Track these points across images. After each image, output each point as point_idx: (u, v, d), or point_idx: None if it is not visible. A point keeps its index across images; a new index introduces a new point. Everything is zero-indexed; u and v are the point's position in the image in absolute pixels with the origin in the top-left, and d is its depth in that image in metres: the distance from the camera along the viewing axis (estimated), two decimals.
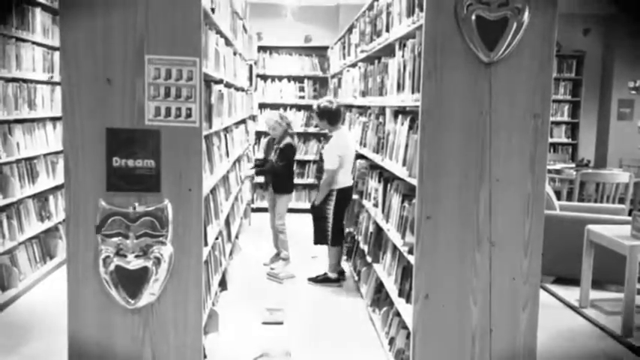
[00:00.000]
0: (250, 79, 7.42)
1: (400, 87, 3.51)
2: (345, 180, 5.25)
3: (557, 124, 9.63)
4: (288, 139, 5.78)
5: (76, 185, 2.79)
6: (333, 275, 5.39)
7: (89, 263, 2.80)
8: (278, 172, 5.76)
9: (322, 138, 5.40)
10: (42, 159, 5.46)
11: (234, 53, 5.39)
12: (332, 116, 5.28)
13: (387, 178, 4.10)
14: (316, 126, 8.73)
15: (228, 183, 5.04)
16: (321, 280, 5.40)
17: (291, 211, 6.29)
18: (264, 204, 6.02)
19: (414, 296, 2.99)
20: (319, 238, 5.38)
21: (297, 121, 8.77)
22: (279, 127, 5.79)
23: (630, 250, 4.23)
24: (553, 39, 2.88)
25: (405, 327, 3.38)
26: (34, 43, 5.24)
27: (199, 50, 2.79)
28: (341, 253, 5.52)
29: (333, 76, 8.19)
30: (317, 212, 5.34)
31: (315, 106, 5.42)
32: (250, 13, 7.72)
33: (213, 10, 3.53)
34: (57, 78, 5.56)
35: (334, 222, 5.28)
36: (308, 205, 8.57)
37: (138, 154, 2.79)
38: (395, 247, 3.75)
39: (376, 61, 4.46)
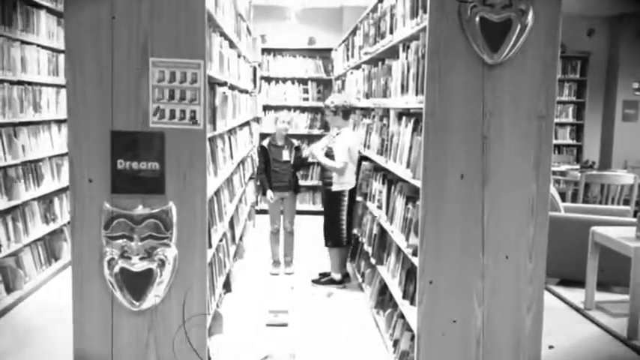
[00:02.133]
0: (254, 81, 7.43)
1: (404, 89, 3.51)
2: (352, 180, 5.26)
3: (562, 125, 9.61)
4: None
5: (81, 187, 2.80)
6: (337, 277, 5.38)
7: (94, 265, 2.81)
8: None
9: (328, 137, 5.40)
10: (47, 161, 5.47)
11: (238, 55, 5.40)
12: (346, 111, 5.30)
13: (391, 179, 4.10)
14: (320, 128, 8.77)
15: (232, 185, 5.05)
16: (325, 282, 5.39)
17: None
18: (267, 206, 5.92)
19: (418, 298, 2.98)
20: (334, 241, 5.32)
21: (301, 123, 8.78)
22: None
23: (635, 251, 4.21)
24: (557, 40, 2.87)
25: (410, 329, 3.37)
26: (39, 45, 5.26)
27: (203, 53, 2.79)
28: (346, 254, 5.53)
29: (337, 78, 8.19)
30: (331, 215, 5.30)
31: (328, 102, 5.36)
32: (254, 16, 7.74)
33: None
34: (62, 80, 5.58)
35: (346, 223, 5.29)
36: (312, 207, 8.66)
37: (142, 156, 2.79)
38: (399, 249, 3.74)
39: (380, 63, 4.46)
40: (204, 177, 2.86)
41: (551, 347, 3.99)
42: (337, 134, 5.28)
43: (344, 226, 5.29)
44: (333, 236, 5.32)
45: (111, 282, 2.79)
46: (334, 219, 5.29)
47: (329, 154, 5.25)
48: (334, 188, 5.24)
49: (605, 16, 9.38)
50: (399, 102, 3.64)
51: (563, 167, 8.17)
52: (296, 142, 5.89)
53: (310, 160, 5.47)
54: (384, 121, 4.38)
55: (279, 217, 5.80)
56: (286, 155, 5.72)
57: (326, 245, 5.40)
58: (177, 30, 2.76)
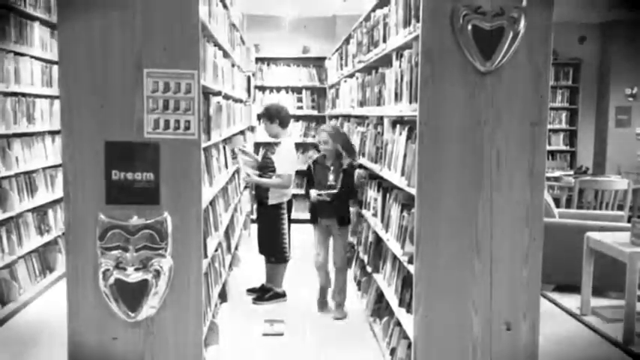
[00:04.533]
0: (248, 90, 7.45)
1: (398, 97, 3.52)
2: (290, 191, 5.11)
3: (555, 131, 9.66)
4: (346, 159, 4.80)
5: (76, 199, 2.79)
6: (281, 290, 5.18)
7: (89, 276, 2.80)
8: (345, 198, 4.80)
9: (266, 145, 4.97)
10: (41, 173, 5.46)
11: (232, 65, 5.41)
12: (283, 119, 5.02)
13: (386, 187, 4.11)
14: (315, 136, 8.78)
15: (227, 194, 5.04)
16: (270, 297, 5.12)
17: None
18: None
19: (414, 306, 2.98)
20: (277, 258, 5.08)
21: (296, 131, 8.79)
22: (331, 142, 4.72)
23: (630, 256, 4.23)
24: (549, 47, 2.89)
25: (406, 337, 3.37)
26: (32, 57, 5.26)
27: (197, 63, 2.80)
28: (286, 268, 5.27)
29: (331, 87, 8.22)
30: (272, 231, 5.01)
31: (264, 109, 5.11)
32: (248, 25, 7.76)
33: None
34: (56, 92, 5.57)
35: (288, 236, 5.09)
36: (306, 216, 8.61)
37: (137, 166, 2.79)
38: (395, 257, 3.74)
39: (374, 72, 4.48)
40: (199, 187, 2.86)
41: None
42: (277, 144, 5.03)
43: (287, 241, 5.01)
44: (275, 253, 5.06)
45: (106, 293, 2.78)
46: (276, 235, 4.99)
47: (267, 166, 4.95)
48: (271, 201, 4.95)
49: (596, 23, 9.46)
50: (392, 110, 3.65)
51: (557, 173, 8.21)
52: (346, 163, 4.71)
53: (247, 183, 4.86)
54: (379, 129, 4.39)
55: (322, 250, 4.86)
56: (332, 179, 4.70)
57: (269, 262, 5.16)
58: (171, 40, 2.76)
